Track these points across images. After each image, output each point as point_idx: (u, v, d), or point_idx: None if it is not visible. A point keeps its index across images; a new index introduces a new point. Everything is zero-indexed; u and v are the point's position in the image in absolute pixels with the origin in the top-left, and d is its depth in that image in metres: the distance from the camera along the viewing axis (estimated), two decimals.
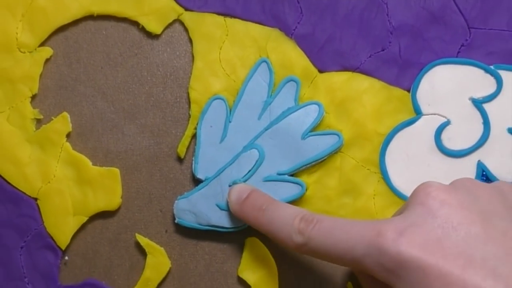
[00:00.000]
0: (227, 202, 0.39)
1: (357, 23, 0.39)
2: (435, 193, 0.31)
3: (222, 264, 0.40)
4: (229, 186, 0.39)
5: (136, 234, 0.40)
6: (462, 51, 0.38)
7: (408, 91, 0.38)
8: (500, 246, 0.29)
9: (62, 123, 0.40)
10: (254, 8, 0.39)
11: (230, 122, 0.39)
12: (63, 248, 0.40)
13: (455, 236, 0.30)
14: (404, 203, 0.35)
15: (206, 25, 0.40)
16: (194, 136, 0.40)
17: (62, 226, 0.40)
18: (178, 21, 0.40)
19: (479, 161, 0.38)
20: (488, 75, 0.38)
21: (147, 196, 0.40)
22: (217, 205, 0.38)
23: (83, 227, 0.40)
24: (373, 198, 0.38)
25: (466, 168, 0.39)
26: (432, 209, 0.30)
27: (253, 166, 0.38)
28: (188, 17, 0.40)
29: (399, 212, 0.35)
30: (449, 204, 0.30)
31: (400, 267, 0.29)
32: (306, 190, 0.38)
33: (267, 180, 0.38)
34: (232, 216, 0.39)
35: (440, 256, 0.29)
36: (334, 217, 0.34)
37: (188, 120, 0.40)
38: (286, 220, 0.35)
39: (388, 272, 0.30)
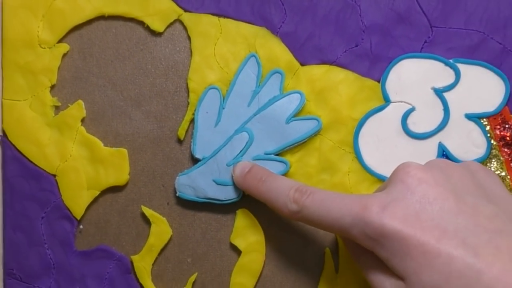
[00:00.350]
0: (223, 178, 0.40)
1: (333, 23, 0.41)
2: (414, 172, 0.32)
3: (216, 232, 0.42)
4: (227, 165, 0.40)
5: (142, 206, 0.42)
6: (425, 47, 0.40)
7: (378, 81, 0.41)
8: (470, 219, 0.31)
9: (78, 109, 0.42)
10: (244, 10, 0.41)
11: (223, 108, 0.41)
12: (78, 218, 0.42)
13: (431, 210, 0.31)
14: (385, 181, 0.37)
15: (202, 24, 0.42)
16: (192, 121, 0.42)
17: (77, 199, 0.42)
18: (178, 21, 0.42)
19: (440, 142, 0.40)
20: (447, 68, 0.40)
21: (151, 173, 0.42)
22: (214, 181, 0.40)
23: (95, 200, 0.42)
24: (348, 174, 0.40)
25: (429, 149, 0.41)
26: (411, 186, 0.32)
27: (244, 147, 0.40)
28: (187, 17, 0.42)
29: (381, 189, 0.36)
30: (426, 182, 0.32)
31: (383, 237, 0.31)
32: (290, 167, 0.40)
33: (256, 159, 0.40)
34: (226, 190, 0.41)
35: (418, 228, 0.30)
36: (326, 190, 0.35)
37: (187, 107, 0.42)
38: (283, 191, 0.36)
39: (372, 241, 0.32)
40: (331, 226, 0.34)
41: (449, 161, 0.35)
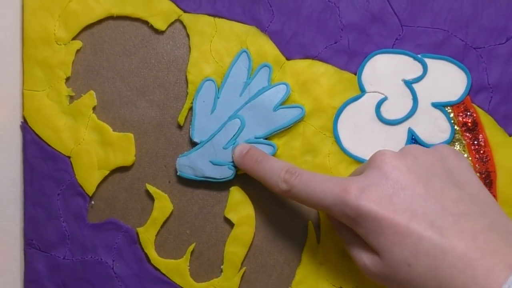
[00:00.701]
0: (219, 159, 0.42)
1: (315, 22, 0.42)
2: (389, 159, 0.34)
3: (212, 207, 0.43)
4: (222, 148, 0.42)
5: (146, 184, 0.44)
6: (396, 44, 0.42)
7: (355, 74, 0.42)
8: (437, 203, 0.32)
9: (89, 99, 0.44)
10: (236, 11, 0.43)
11: (218, 98, 0.42)
12: (90, 195, 0.44)
13: (403, 194, 0.32)
14: (362, 163, 0.39)
15: (199, 24, 0.43)
16: (191, 109, 0.43)
17: (89, 178, 0.44)
18: (178, 20, 0.44)
19: (409, 128, 0.42)
20: (416, 62, 0.42)
21: (154, 155, 0.44)
22: (210, 161, 0.42)
23: (105, 178, 0.44)
24: (328, 156, 0.42)
25: (399, 133, 0.42)
26: (386, 173, 0.33)
27: (237, 132, 0.42)
28: (186, 18, 0.43)
29: (358, 172, 0.37)
30: (399, 169, 0.33)
31: (360, 217, 0.33)
32: (277, 150, 0.42)
33: (248, 142, 0.42)
34: (221, 169, 0.42)
35: (391, 210, 0.32)
36: (313, 172, 0.37)
37: (186, 96, 0.43)
38: (275, 171, 0.38)
39: (351, 219, 0.33)
40: (315, 204, 0.35)
41: (422, 147, 0.36)
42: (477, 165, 0.41)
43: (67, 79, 0.44)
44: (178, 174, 0.43)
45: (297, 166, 0.37)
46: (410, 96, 0.42)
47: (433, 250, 0.30)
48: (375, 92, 0.43)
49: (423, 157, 0.35)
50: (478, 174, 0.41)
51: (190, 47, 0.43)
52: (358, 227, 0.33)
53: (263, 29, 0.43)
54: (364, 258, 0.34)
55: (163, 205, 0.44)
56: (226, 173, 0.42)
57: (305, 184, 0.36)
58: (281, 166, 0.38)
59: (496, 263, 0.29)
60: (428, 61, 0.42)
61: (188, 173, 0.43)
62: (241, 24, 0.43)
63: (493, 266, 0.29)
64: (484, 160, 0.41)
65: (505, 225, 0.32)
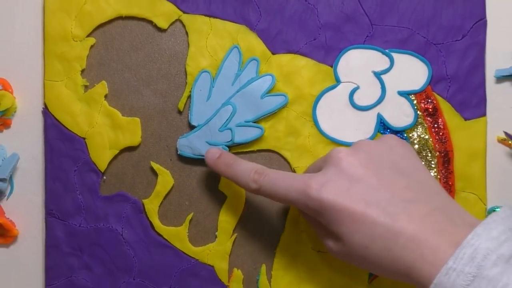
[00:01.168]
0: (214, 140, 0.42)
1: (297, 22, 0.44)
2: (344, 157, 0.35)
3: (208, 181, 0.45)
4: (218, 130, 0.43)
5: (151, 162, 0.45)
6: (367, 40, 0.44)
7: (331, 66, 0.44)
8: (388, 192, 0.34)
9: (102, 88, 0.45)
10: (229, 12, 0.44)
11: (213, 87, 0.44)
12: (102, 171, 0.45)
13: (358, 187, 0.34)
14: (318, 159, 0.40)
15: (197, 23, 0.44)
16: (189, 96, 0.44)
17: (101, 156, 0.45)
18: (179, 20, 0.45)
19: (378, 113, 0.44)
20: (384, 56, 0.44)
21: (158, 136, 0.44)
22: (207, 142, 0.43)
23: (115, 157, 0.45)
24: (308, 138, 0.44)
25: (370, 118, 0.44)
26: (342, 169, 0.35)
27: (229, 116, 0.43)
28: (185, 18, 0.44)
29: (315, 167, 0.38)
30: (353, 165, 0.35)
31: (322, 208, 0.34)
32: (264, 131, 0.43)
33: (239, 125, 0.43)
34: None
35: (348, 201, 0.33)
36: (278, 171, 0.38)
37: (185, 86, 0.44)
38: (245, 173, 0.39)
39: (314, 211, 0.35)
40: (282, 200, 0.37)
41: (372, 141, 0.37)
42: (437, 145, 0.43)
43: (82, 71, 0.45)
44: (178, 153, 0.44)
45: (264, 167, 0.38)
46: (379, 86, 0.44)
47: (387, 233, 0.32)
48: (349, 82, 0.44)
49: (374, 151, 0.36)
50: (437, 153, 0.43)
51: (188, 43, 0.44)
52: (320, 217, 0.35)
53: (251, 27, 0.44)
54: (329, 242, 0.35)
55: (165, 180, 0.44)
56: None
57: (272, 182, 0.37)
58: (250, 168, 0.39)
59: (442, 241, 0.31)
60: (395, 55, 0.44)
61: (187, 152, 0.44)
62: (233, 23, 0.44)
63: (439, 245, 0.31)
64: (443, 141, 0.43)
65: (449, 206, 0.34)
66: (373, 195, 0.33)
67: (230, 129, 0.43)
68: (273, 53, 0.44)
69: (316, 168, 0.38)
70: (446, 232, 0.31)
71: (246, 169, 0.39)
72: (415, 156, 0.37)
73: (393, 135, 0.38)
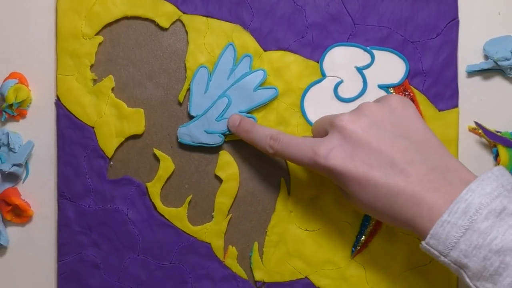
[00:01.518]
0: (211, 129, 0.43)
1: (286, 21, 0.45)
2: (346, 124, 0.36)
3: (205, 166, 0.46)
4: (215, 120, 0.44)
5: (154, 149, 0.46)
6: (350, 38, 0.45)
7: (318, 62, 0.45)
8: (388, 154, 0.35)
9: (109, 82, 0.46)
10: (224, 12, 0.45)
11: (210, 81, 0.45)
12: (109, 157, 0.46)
13: (361, 151, 0.35)
14: (324, 119, 0.40)
15: (196, 23, 0.45)
16: (188, 89, 0.45)
17: (108, 144, 0.46)
18: (179, 20, 0.46)
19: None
20: (366, 53, 0.45)
21: (160, 125, 0.46)
22: (204, 131, 0.45)
23: (121, 144, 0.46)
24: (296, 127, 0.45)
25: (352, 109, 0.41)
26: (345, 136, 0.36)
27: (225, 107, 0.44)
28: (185, 18, 0.45)
29: (321, 128, 0.39)
30: (356, 132, 0.36)
31: (330, 172, 0.36)
32: (257, 121, 0.44)
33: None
34: (213, 137, 0.44)
35: (352, 165, 0.35)
36: (291, 136, 0.39)
37: (185, 80, 0.46)
38: (262, 138, 0.40)
39: (324, 173, 0.37)
40: (297, 163, 0.39)
41: (373, 104, 0.37)
42: None
43: (91, 66, 0.46)
44: (178, 140, 0.45)
45: (279, 132, 0.39)
46: (361, 80, 0.45)
47: (388, 193, 0.34)
48: (334, 76, 0.45)
49: (375, 114, 0.36)
50: None
51: (188, 41, 0.45)
52: (331, 179, 0.37)
53: (245, 27, 0.45)
54: (345, 196, 0.38)
55: (166, 165, 0.46)
56: (217, 140, 0.45)
57: (285, 147, 0.39)
58: (266, 133, 0.40)
59: (437, 199, 0.32)
60: (375, 52, 0.45)
61: (186, 140, 0.45)
62: (228, 23, 0.45)
63: (434, 202, 0.32)
64: None
65: (447, 164, 0.35)
66: (375, 159, 0.35)
67: (227, 119, 0.45)
68: (265, 50, 0.46)
69: (322, 130, 0.39)
70: (442, 190, 0.33)
71: (263, 134, 0.40)
72: (416, 116, 0.37)
73: (395, 95, 0.38)
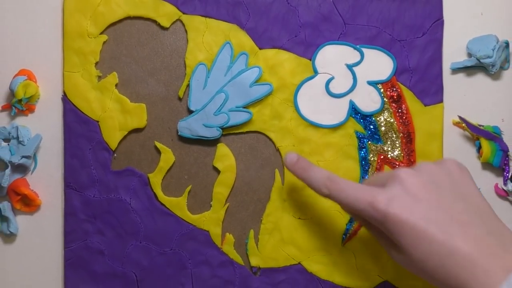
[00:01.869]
0: (210, 123, 0.43)
1: (280, 21, 0.46)
2: (408, 178, 0.35)
3: (204, 158, 0.47)
4: (213, 114, 0.44)
5: (155, 141, 0.47)
6: (340, 37, 0.46)
7: (310, 60, 0.46)
8: (447, 213, 0.34)
9: (113, 78, 0.47)
10: (222, 13, 0.46)
11: (208, 77, 0.46)
12: (113, 149, 0.47)
13: (420, 205, 0.34)
14: (381, 173, 0.41)
15: (195, 22, 0.46)
16: (188, 85, 0.46)
17: (112, 137, 0.47)
18: (179, 20, 0.47)
19: (350, 100, 0.46)
20: (355, 51, 0.46)
21: (161, 119, 0.46)
22: (203, 125, 0.45)
23: (124, 137, 0.47)
24: (290, 121, 0.46)
25: (343, 104, 0.46)
26: (406, 188, 0.35)
27: (223, 103, 0.45)
28: (185, 18, 0.46)
29: (377, 181, 0.38)
30: (416, 185, 0.35)
31: (386, 221, 0.35)
32: (252, 116, 0.45)
33: (231, 110, 0.45)
34: (211, 131, 0.45)
35: (411, 217, 0.34)
36: (347, 181, 0.38)
37: (185, 76, 0.47)
38: (319, 178, 0.39)
39: (378, 222, 0.36)
40: (349, 207, 0.37)
41: (432, 165, 0.37)
42: (400, 127, 0.46)
43: (96, 63, 0.47)
44: (178, 134, 0.46)
45: (335, 175, 0.39)
46: (351, 76, 0.46)
47: (443, 251, 0.33)
48: (325, 73, 0.46)
49: (434, 174, 0.36)
50: (401, 134, 0.45)
51: (187, 40, 0.46)
52: (385, 229, 0.35)
53: (242, 26, 0.46)
54: (393, 252, 0.37)
55: (167, 157, 0.46)
56: (215, 133, 0.46)
57: (342, 191, 0.38)
58: (323, 175, 0.39)
59: (493, 264, 0.31)
60: (365, 50, 0.46)
61: (186, 133, 0.46)
62: (226, 23, 0.46)
63: (491, 267, 0.31)
64: (406, 123, 0.46)
65: (502, 232, 0.34)
66: (433, 214, 0.34)
67: (226, 113, 0.46)
68: (260, 48, 0.47)
69: (378, 182, 0.38)
70: (498, 256, 0.32)
71: (319, 174, 0.40)
72: (472, 182, 0.37)
73: (453, 160, 0.38)
